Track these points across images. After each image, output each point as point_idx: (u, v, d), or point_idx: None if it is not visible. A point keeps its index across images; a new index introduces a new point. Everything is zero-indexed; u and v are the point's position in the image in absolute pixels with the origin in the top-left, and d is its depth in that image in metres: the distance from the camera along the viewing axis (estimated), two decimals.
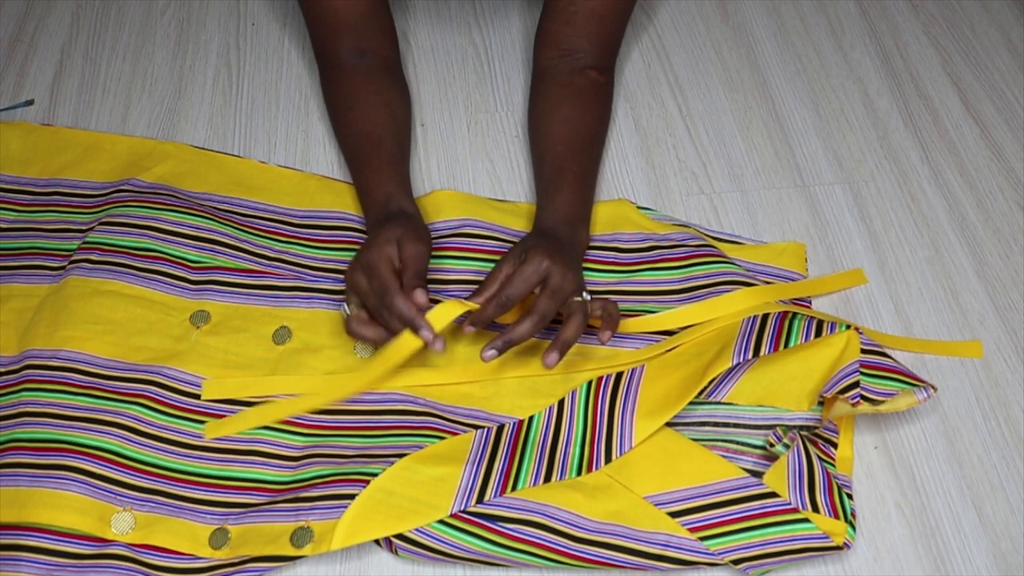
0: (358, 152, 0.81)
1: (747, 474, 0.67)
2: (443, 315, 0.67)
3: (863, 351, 0.69)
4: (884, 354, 0.69)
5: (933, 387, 0.67)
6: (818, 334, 0.69)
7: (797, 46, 0.99)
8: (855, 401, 0.66)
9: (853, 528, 0.64)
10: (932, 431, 0.73)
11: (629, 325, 0.76)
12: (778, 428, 0.69)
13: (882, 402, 0.66)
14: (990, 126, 0.92)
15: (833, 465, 0.68)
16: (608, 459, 0.67)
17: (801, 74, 0.96)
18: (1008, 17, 1.01)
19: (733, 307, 0.75)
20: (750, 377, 0.71)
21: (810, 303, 0.79)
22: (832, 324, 0.70)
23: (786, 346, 0.68)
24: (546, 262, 0.67)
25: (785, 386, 0.70)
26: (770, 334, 0.69)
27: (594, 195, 0.80)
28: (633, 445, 0.68)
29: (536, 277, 0.67)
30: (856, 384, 0.67)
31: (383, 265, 0.68)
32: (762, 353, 0.68)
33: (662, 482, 0.67)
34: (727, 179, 0.88)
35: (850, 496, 0.66)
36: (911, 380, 0.67)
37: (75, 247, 0.80)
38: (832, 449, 0.69)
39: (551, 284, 0.67)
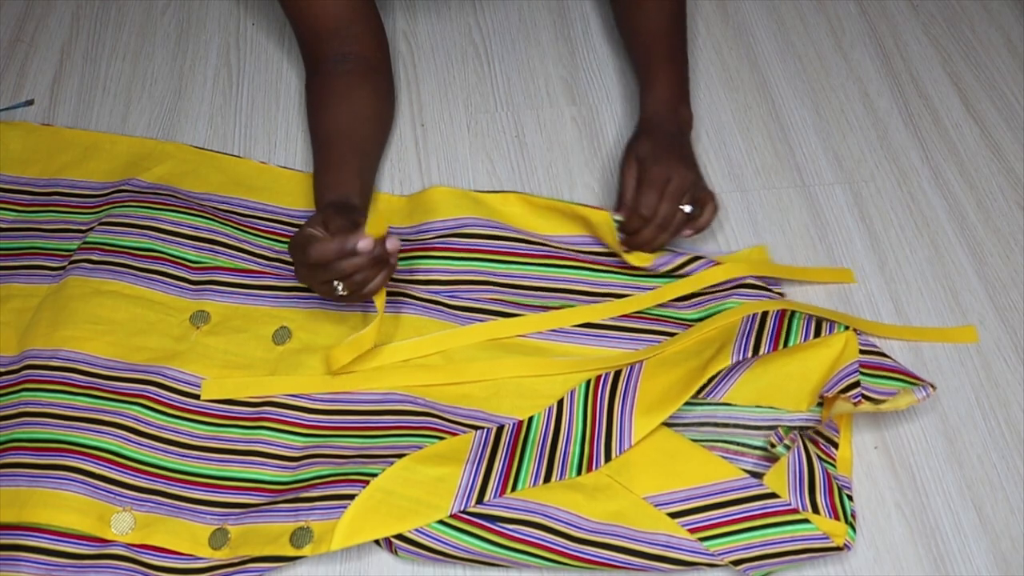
0: (316, 156, 0.81)
1: (747, 475, 0.67)
2: (376, 223, 0.68)
3: (862, 351, 0.69)
4: (883, 354, 0.69)
5: (932, 386, 0.67)
6: (817, 333, 0.69)
7: (797, 46, 0.99)
8: (857, 400, 0.66)
9: (853, 529, 0.64)
10: (932, 431, 0.73)
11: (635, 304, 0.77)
12: (779, 428, 0.69)
13: (883, 401, 0.66)
14: (990, 126, 0.92)
15: (833, 465, 0.68)
16: (608, 457, 0.67)
17: (801, 74, 0.96)
18: (1008, 17, 1.01)
19: (717, 279, 0.77)
20: (748, 377, 0.71)
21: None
22: (831, 324, 0.70)
23: (785, 344, 0.68)
24: (660, 167, 0.74)
25: (784, 386, 0.70)
26: (769, 332, 0.69)
27: (687, 72, 0.85)
28: (632, 443, 0.68)
29: (661, 185, 0.73)
30: (856, 384, 0.67)
31: (315, 226, 0.68)
32: (761, 351, 0.68)
33: (662, 483, 0.67)
34: (727, 179, 0.88)
35: (850, 497, 0.66)
36: (911, 379, 0.67)
37: (75, 247, 0.80)
38: (833, 449, 0.69)
39: (671, 188, 0.73)
